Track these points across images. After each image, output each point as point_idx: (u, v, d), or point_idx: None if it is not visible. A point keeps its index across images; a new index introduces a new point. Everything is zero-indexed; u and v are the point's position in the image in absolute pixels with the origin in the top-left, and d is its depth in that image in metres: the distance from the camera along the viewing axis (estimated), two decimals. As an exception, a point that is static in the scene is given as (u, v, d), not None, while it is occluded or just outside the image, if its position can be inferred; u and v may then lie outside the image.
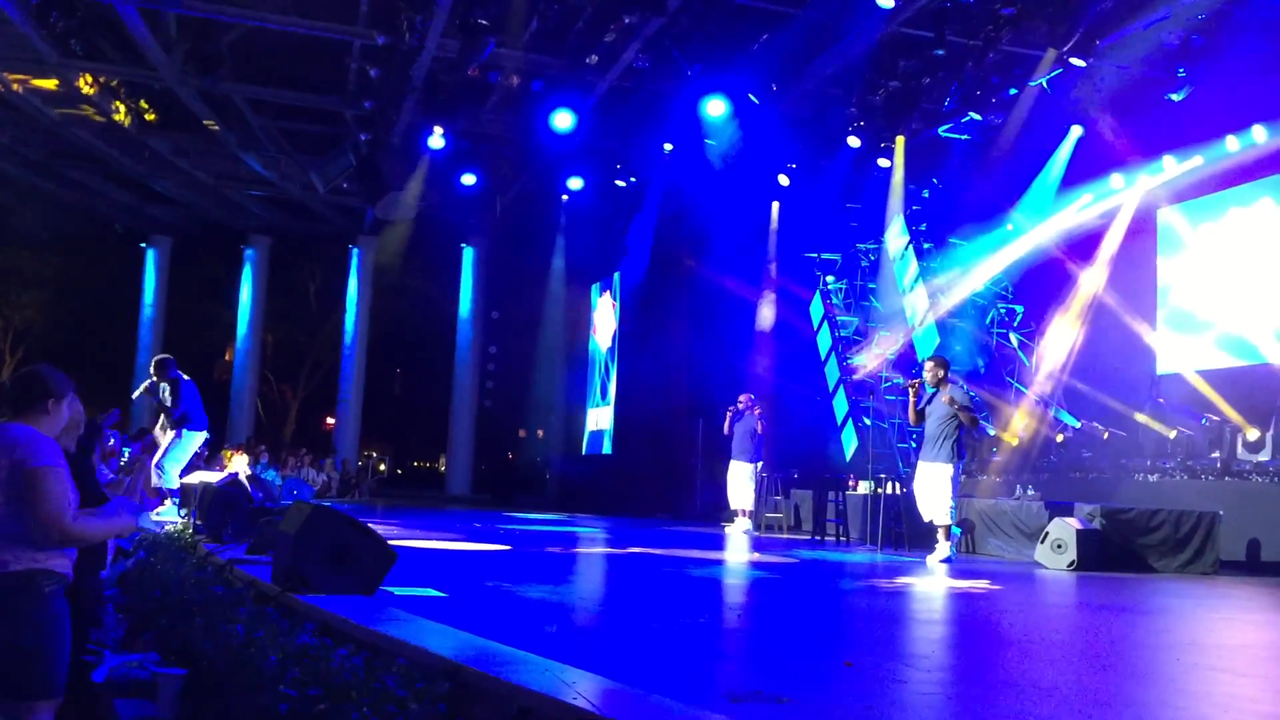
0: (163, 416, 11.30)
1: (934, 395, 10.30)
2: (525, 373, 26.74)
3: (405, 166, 19.77)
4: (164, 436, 11.35)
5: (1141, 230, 15.31)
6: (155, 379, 11.31)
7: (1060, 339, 15.81)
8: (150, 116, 20.27)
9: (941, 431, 10.14)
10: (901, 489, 11.86)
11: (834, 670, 4.18)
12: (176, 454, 11.18)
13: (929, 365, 10.52)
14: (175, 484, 11.05)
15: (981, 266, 16.77)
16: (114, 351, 27.99)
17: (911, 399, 10.50)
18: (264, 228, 27.01)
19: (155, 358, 11.64)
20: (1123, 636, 5.79)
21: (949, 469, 10.11)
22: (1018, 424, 15.67)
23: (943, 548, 10.08)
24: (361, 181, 19.24)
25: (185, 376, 11.30)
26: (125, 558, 6.64)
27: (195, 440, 11.35)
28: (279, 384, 32.22)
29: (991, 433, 15.64)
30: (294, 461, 22.50)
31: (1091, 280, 15.61)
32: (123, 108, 19.61)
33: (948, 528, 10.12)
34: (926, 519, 10.42)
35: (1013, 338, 16.87)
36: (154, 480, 11.16)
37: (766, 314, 19.31)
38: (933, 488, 10.18)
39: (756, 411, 14.35)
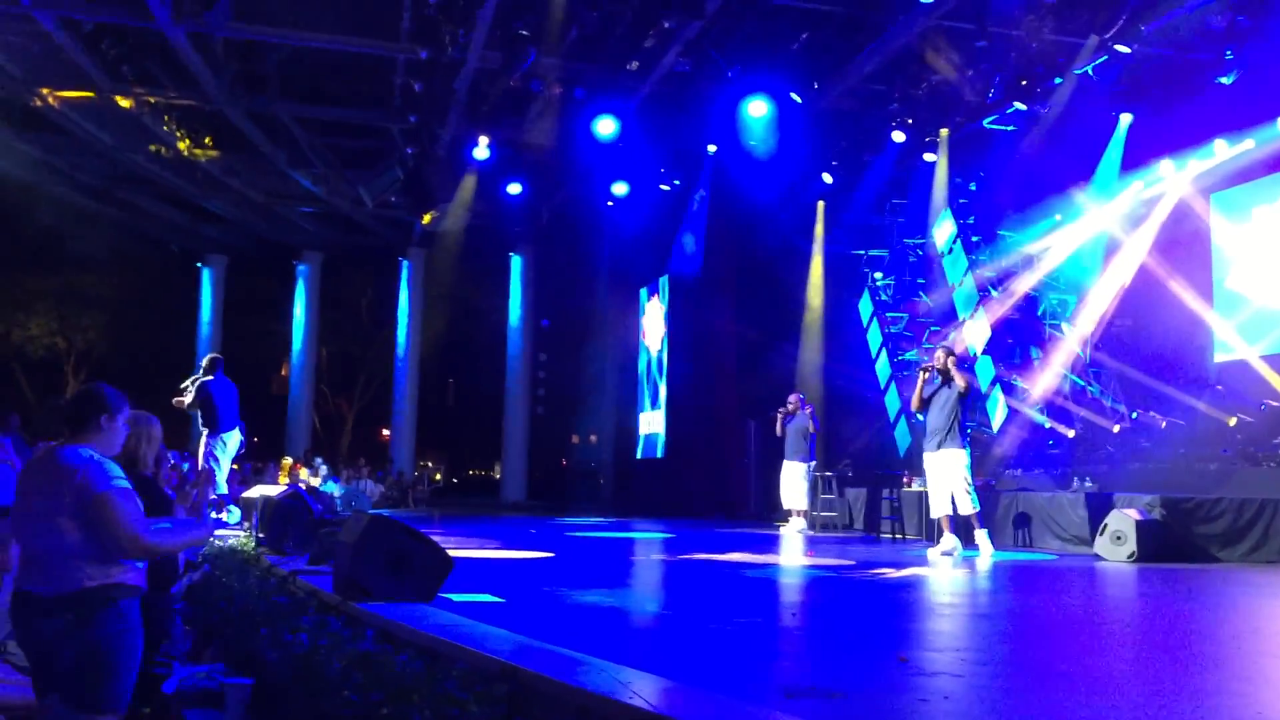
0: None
1: (940, 385, 10.28)
2: (576, 379, 26.80)
3: (451, 178, 19.96)
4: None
5: (1194, 216, 15.08)
6: (196, 377, 11.65)
7: (1107, 326, 15.63)
8: (205, 143, 20.64)
9: (948, 420, 10.13)
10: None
11: (889, 666, 4.20)
12: (219, 454, 11.44)
13: (938, 353, 10.52)
14: (223, 488, 11.35)
15: (1040, 260, 16.59)
16: (174, 370, 28.44)
17: (920, 383, 10.48)
18: (315, 244, 27.34)
19: (207, 357, 11.99)
20: (1182, 626, 5.74)
21: (963, 454, 10.11)
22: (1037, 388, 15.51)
23: (982, 539, 10.07)
24: (409, 194, 19.46)
25: (212, 378, 11.54)
26: (193, 569, 6.80)
27: (229, 441, 11.58)
28: (334, 397, 32.61)
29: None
30: (351, 473, 22.78)
31: (1145, 269, 15.41)
32: (175, 130, 19.99)
33: (977, 515, 10.09)
34: (937, 514, 10.36)
35: (1065, 328, 16.67)
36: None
37: (815, 313, 19.27)
38: (949, 475, 10.14)
39: (808, 411, 14.34)
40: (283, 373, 29.19)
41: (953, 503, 10.20)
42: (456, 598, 5.69)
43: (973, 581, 8.25)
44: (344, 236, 26.80)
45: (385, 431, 30.97)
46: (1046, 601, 7.01)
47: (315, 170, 21.98)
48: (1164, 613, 6.59)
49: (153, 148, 20.66)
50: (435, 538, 5.84)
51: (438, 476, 31.34)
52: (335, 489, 19.32)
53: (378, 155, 20.96)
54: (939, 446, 10.25)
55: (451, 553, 5.79)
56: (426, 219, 21.53)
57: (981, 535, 10.07)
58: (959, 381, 10.14)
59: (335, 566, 5.97)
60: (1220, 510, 10.26)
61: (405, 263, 27.22)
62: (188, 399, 11.44)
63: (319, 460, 22.32)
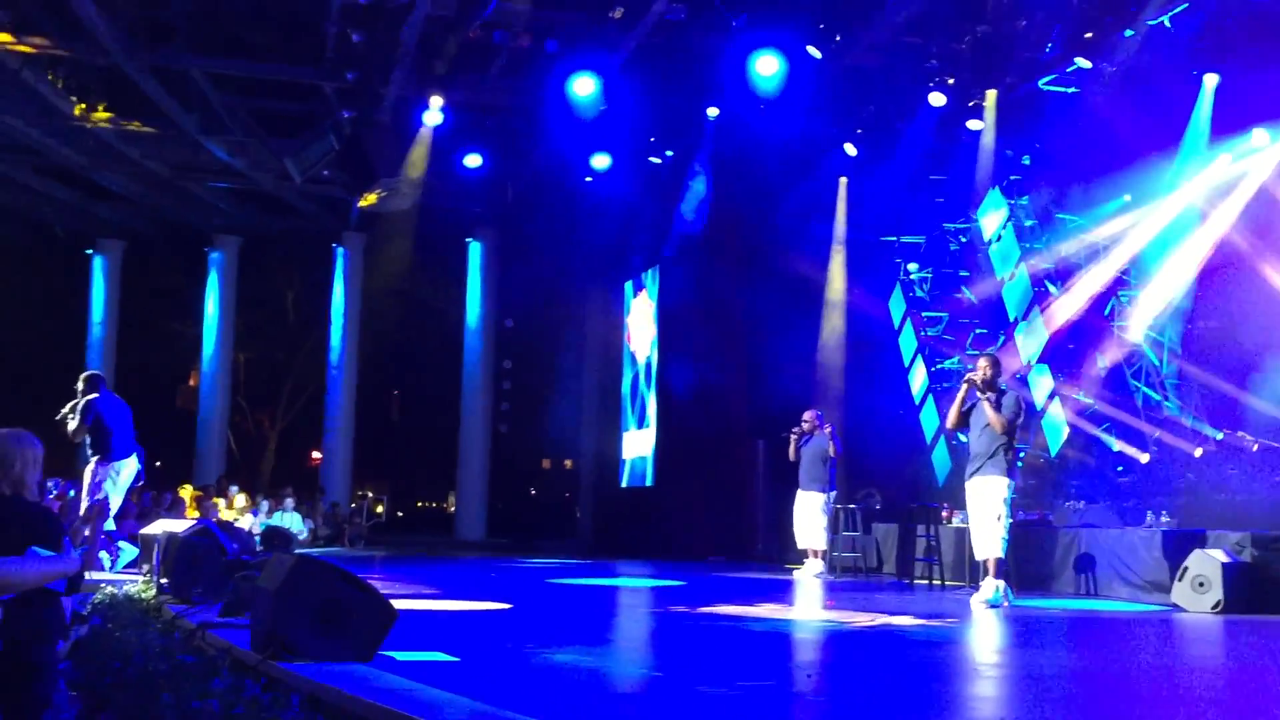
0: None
1: (981, 399, 10.34)
2: (547, 392, 26.78)
3: (397, 148, 19.93)
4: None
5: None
6: (78, 396, 11.71)
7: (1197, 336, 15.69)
8: (98, 105, 20.55)
9: (992, 442, 10.18)
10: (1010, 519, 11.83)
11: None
12: (107, 487, 11.47)
13: (981, 362, 10.57)
14: (111, 524, 11.41)
15: (1108, 249, 16.63)
16: (59, 377, 28.29)
17: (960, 398, 10.51)
18: (231, 227, 27.30)
19: (84, 374, 12.08)
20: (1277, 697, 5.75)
21: (1003, 483, 10.15)
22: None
23: (988, 587, 10.07)
24: (345, 168, 19.41)
25: (97, 395, 11.65)
26: (80, 622, 6.77)
27: (123, 470, 11.63)
28: (254, 412, 32.52)
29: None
30: (274, 504, 22.73)
31: (1234, 260, 15.46)
32: (61, 88, 19.91)
33: (998, 561, 10.11)
34: (982, 555, 10.41)
35: (1139, 332, 16.71)
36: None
37: (835, 312, 19.29)
38: (985, 508, 10.19)
39: (827, 430, 14.37)
40: (191, 383, 29.12)
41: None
42: (401, 656, 5.68)
43: (1022, 637, 8.27)
44: (266, 218, 26.76)
45: (316, 454, 30.92)
46: (1110, 662, 7.02)
47: (232, 138, 21.92)
48: (1259, 679, 6.61)
49: (35, 110, 20.58)
50: (376, 583, 5.82)
51: (379, 509, 31.23)
52: (255, 523, 19.25)
53: (308, 120, 20.89)
54: (978, 472, 10.29)
55: (395, 603, 5.78)
56: (370, 200, 21.50)
57: (991, 583, 10.08)
58: (1005, 412, 10.16)
59: (254, 618, 5.95)
60: (1324, 551, 10.30)
61: (341, 250, 27.20)
62: (72, 424, 11.50)
63: (234, 489, 22.26)
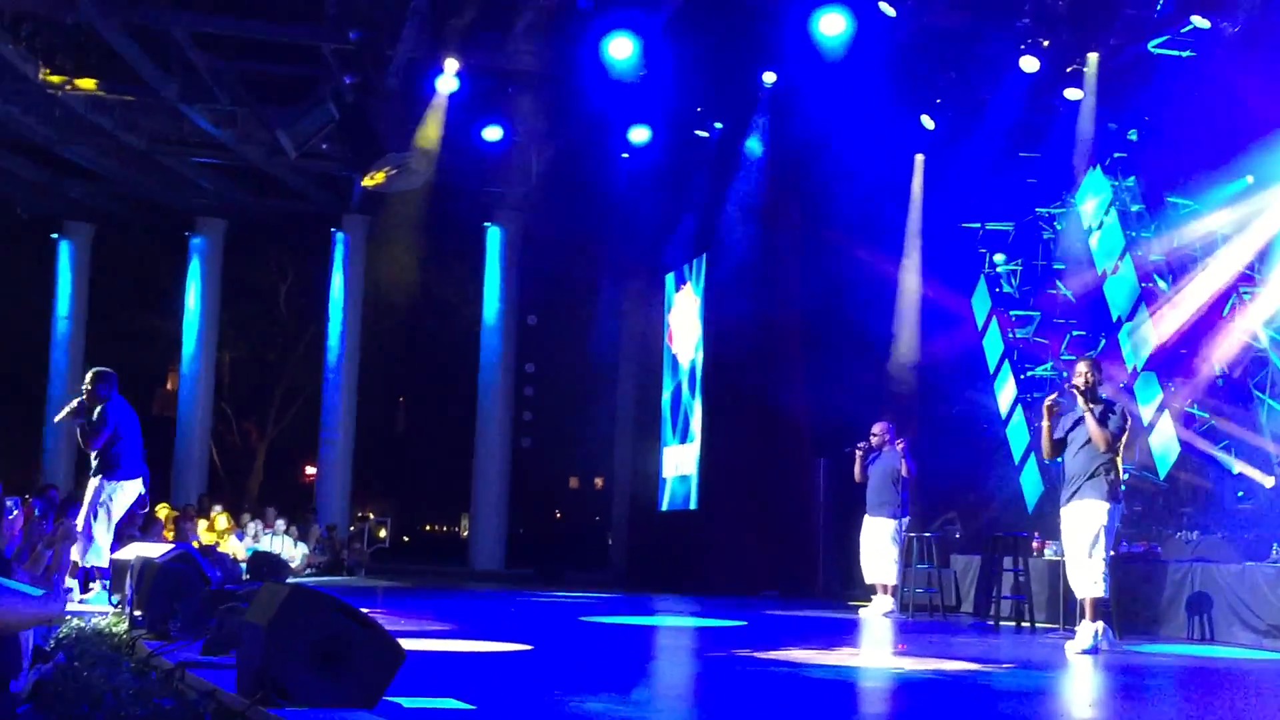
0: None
1: (1080, 416, 10.26)
2: (576, 400, 26.84)
3: (406, 119, 20.00)
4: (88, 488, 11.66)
5: None
6: (86, 399, 11.61)
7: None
8: (67, 69, 20.68)
9: (1093, 460, 10.10)
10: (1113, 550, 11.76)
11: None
12: (102, 513, 11.46)
13: (1080, 367, 10.47)
14: (105, 559, 11.32)
15: (1230, 239, 16.50)
16: (20, 378, 28.56)
17: (1047, 425, 10.45)
18: (216, 208, 27.43)
19: (93, 370, 11.95)
20: None
21: (1104, 508, 10.03)
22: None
23: (1085, 632, 9.99)
24: (346, 142, 19.49)
25: (110, 400, 11.61)
26: (43, 660, 6.82)
27: (126, 493, 11.61)
28: (240, 420, 32.72)
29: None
30: (262, 526, 22.86)
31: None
32: (25, 50, 20.06)
33: (1096, 601, 10.01)
34: (1078, 593, 10.34)
35: (1263, 335, 16.59)
36: (79, 555, 11.46)
37: (910, 310, 19.23)
38: (1082, 538, 10.10)
39: (899, 447, 14.31)
40: (169, 386, 29.34)
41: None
42: (409, 703, 5.69)
43: (1125, 689, 8.22)
44: (256, 199, 26.87)
45: (310, 470, 31.09)
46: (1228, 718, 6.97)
47: (218, 107, 22.04)
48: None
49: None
50: (379, 619, 5.84)
51: (382, 533, 31.43)
52: (240, 548, 19.34)
53: (305, 87, 20.98)
54: (1075, 496, 10.21)
55: (403, 642, 5.80)
56: (376, 179, 21.57)
57: (1089, 626, 10.00)
58: (1110, 426, 10.09)
59: (241, 657, 5.97)
60: None
61: (340, 235, 27.29)
62: (92, 432, 11.47)
63: (217, 509, 22.38)
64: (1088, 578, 10.02)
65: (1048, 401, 10.64)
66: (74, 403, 11.86)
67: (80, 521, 11.60)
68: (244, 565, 15.05)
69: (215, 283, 27.85)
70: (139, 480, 11.78)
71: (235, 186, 26.43)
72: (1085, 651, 9.82)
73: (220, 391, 29.51)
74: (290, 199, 26.68)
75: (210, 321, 27.78)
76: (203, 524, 20.80)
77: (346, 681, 5.43)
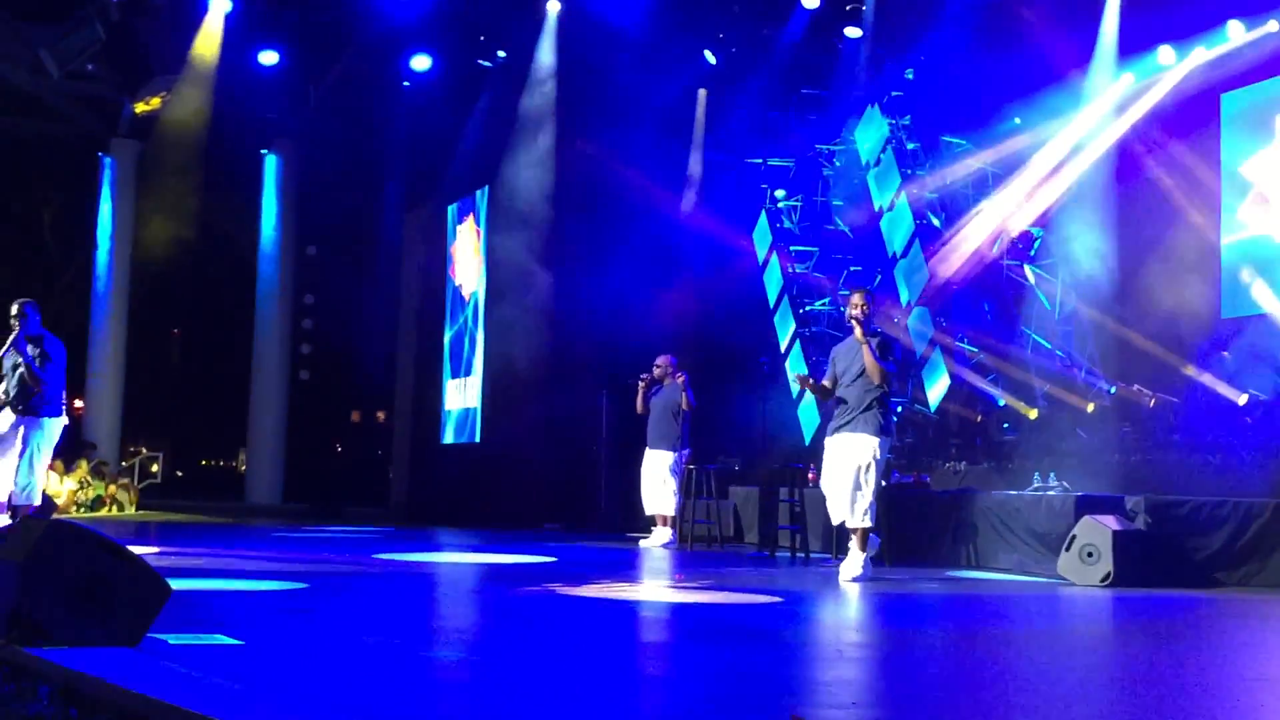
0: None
1: (853, 348, 10.49)
2: (356, 332, 26.52)
3: (178, 39, 19.44)
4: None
5: (1200, 123, 15.66)
6: (25, 331, 11.39)
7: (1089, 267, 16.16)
8: None
9: (867, 395, 10.32)
10: (885, 481, 12.09)
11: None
12: (40, 453, 11.44)
13: (855, 299, 10.57)
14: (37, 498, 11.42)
15: (1004, 180, 16.99)
16: None
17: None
18: (-27, 131, 26.43)
19: (18, 301, 11.63)
20: (1164, 690, 5.98)
21: (874, 442, 10.25)
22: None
23: (855, 558, 10.30)
24: (114, 62, 18.89)
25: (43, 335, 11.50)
26: None
27: (56, 430, 11.58)
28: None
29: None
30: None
31: (1131, 193, 15.97)
32: None
33: (865, 532, 10.32)
34: (837, 520, 10.65)
35: (1029, 272, 17.19)
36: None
37: (693, 243, 19.43)
38: (848, 469, 10.33)
39: (680, 380, 14.45)
40: (-75, 317, 28.18)
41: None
42: (175, 640, 5.61)
43: (882, 617, 8.51)
44: (17, 120, 25.93)
45: (78, 403, 30.19)
46: (979, 650, 7.26)
47: (-26, 23, 21.18)
48: (1142, 671, 6.89)
49: None
50: (147, 555, 5.73)
51: (155, 468, 30.71)
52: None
53: (69, 4, 20.26)
54: (846, 427, 10.40)
55: (171, 581, 5.70)
56: (151, 105, 20.91)
57: (858, 555, 10.29)
58: (884, 359, 10.34)
59: (-3, 596, 5.82)
60: (1223, 516, 10.72)
61: (108, 160, 26.44)
62: (18, 365, 11.25)
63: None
64: (859, 509, 10.23)
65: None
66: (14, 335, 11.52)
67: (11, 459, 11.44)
68: (2, 503, 14.63)
69: (-26, 208, 26.88)
70: (62, 416, 11.72)
71: (-6, 108, 25.49)
72: (856, 579, 10.10)
73: (-20, 322, 28.47)
74: (54, 121, 25.81)
75: (-31, 249, 26.81)
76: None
77: (108, 619, 5.32)
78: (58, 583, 5.30)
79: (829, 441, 10.56)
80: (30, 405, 11.42)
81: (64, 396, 11.75)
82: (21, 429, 11.45)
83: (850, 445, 10.30)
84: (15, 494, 11.44)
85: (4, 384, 11.48)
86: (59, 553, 5.37)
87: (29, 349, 11.32)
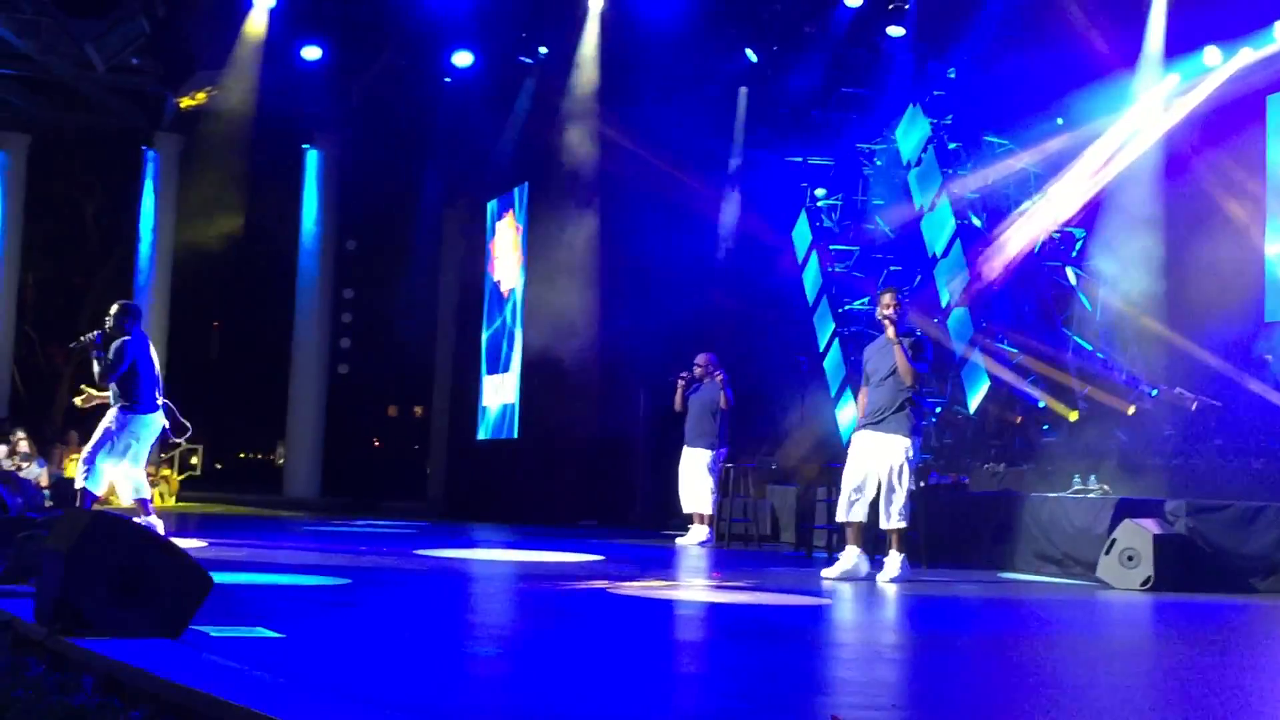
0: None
1: (885, 347, 10.44)
2: (395, 327, 26.60)
3: (222, 34, 19.52)
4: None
5: (1246, 125, 15.55)
6: (109, 331, 11.54)
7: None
8: None
9: (899, 395, 10.27)
10: (923, 482, 12.03)
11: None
12: (111, 444, 11.50)
13: (885, 298, 10.51)
14: (100, 488, 11.66)
15: (1046, 181, 16.89)
16: None
17: (864, 388, 10.67)
18: (19, 123, 26.54)
19: (119, 303, 11.90)
20: (1209, 699, 5.95)
21: (905, 444, 10.20)
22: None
23: (892, 562, 10.26)
24: (158, 56, 18.99)
25: (130, 337, 11.61)
26: None
27: (149, 427, 11.77)
28: (45, 344, 31.81)
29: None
30: (66, 451, 22.30)
31: (1176, 194, 15.86)
32: None
33: (900, 533, 10.26)
34: (841, 516, 10.51)
35: (1070, 274, 17.10)
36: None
37: (733, 242, 19.39)
38: (874, 467, 10.25)
39: (719, 379, 14.45)
40: (-31, 308, 28.38)
41: (875, 509, 10.32)
42: (216, 632, 5.65)
43: (916, 619, 8.49)
44: (61, 114, 26.09)
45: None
46: (1021, 655, 7.24)
47: (21, 16, 21.31)
48: (1181, 673, 6.86)
49: None
50: (188, 547, 5.77)
51: (194, 461, 30.83)
52: (42, 475, 18.87)
53: (114, -2, 20.43)
54: (876, 426, 10.31)
55: (213, 573, 5.74)
56: (197, 99, 21.00)
57: (895, 557, 10.26)
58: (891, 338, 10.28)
59: (40, 586, 5.86)
60: (1266, 522, 10.64)
61: (151, 154, 26.54)
62: (109, 367, 11.38)
63: (19, 434, 21.77)
64: (894, 510, 10.19)
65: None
66: (93, 333, 11.73)
67: (87, 448, 11.57)
68: (46, 492, 14.76)
69: (18, 201, 26.99)
70: (160, 413, 11.81)
71: (39, 101, 25.60)
72: (893, 580, 10.08)
73: (23, 313, 28.65)
74: (98, 114, 25.92)
75: (12, 241, 26.94)
76: (2, 449, 20.21)
77: (149, 610, 5.36)
78: (101, 574, 5.34)
79: (856, 436, 10.52)
80: (112, 400, 11.70)
81: (153, 396, 11.89)
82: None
83: (880, 445, 10.25)
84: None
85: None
86: (103, 544, 5.42)
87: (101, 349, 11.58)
